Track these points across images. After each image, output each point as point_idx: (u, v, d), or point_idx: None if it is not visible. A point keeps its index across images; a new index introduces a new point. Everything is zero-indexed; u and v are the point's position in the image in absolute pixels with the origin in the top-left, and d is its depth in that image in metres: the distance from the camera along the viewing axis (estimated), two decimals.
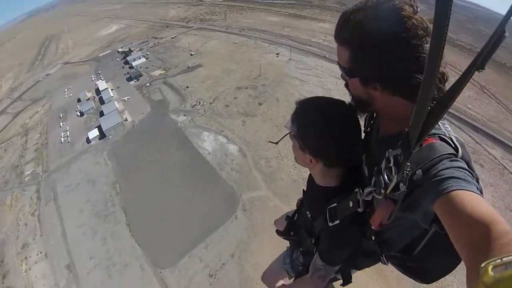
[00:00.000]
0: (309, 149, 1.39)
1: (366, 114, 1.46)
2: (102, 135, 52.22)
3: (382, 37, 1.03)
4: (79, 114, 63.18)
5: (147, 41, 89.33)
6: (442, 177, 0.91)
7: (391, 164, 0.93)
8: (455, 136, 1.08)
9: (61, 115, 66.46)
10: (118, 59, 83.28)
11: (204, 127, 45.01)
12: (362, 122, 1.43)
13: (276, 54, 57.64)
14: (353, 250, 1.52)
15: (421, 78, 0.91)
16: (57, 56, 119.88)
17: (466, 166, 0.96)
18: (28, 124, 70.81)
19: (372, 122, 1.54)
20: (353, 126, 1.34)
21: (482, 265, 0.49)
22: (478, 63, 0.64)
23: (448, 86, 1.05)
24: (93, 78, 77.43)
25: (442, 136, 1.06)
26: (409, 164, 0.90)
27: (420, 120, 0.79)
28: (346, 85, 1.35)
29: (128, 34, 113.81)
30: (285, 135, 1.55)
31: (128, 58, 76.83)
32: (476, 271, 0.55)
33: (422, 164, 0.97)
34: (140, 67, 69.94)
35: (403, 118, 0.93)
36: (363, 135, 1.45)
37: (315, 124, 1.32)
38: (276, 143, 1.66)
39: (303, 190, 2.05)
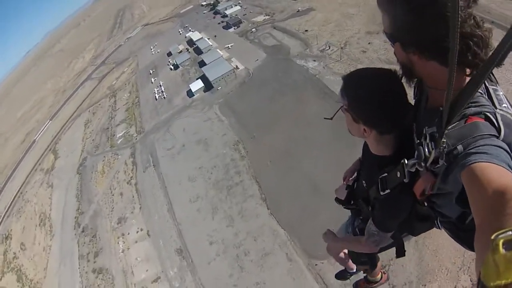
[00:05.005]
0: (361, 119, 1.40)
1: (414, 83, 1.44)
2: (208, 86, 42.63)
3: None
4: (172, 67, 55.42)
5: None
6: (474, 151, 0.91)
7: (428, 140, 1.03)
8: (502, 113, 1.05)
9: (151, 71, 59.68)
10: (204, 11, 76.05)
11: (344, 74, 34.15)
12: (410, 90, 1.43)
13: None
14: (407, 216, 1.55)
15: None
16: (134, 21, 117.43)
17: (505, 147, 0.93)
18: (115, 85, 65.73)
19: (422, 91, 1.46)
20: (399, 92, 1.33)
21: (493, 236, 0.45)
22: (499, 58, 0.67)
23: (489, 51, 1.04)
24: (181, 32, 71.00)
25: (488, 114, 1.04)
26: (445, 140, 0.95)
27: (448, 101, 0.83)
28: (395, 53, 1.33)
29: None
30: (338, 110, 1.53)
31: (219, 8, 69.10)
32: (485, 236, 0.52)
33: (463, 140, 0.98)
34: (236, 15, 61.59)
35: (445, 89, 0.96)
36: (412, 102, 1.48)
37: (364, 94, 1.35)
38: (331, 118, 1.63)
39: (359, 159, 2.11)
